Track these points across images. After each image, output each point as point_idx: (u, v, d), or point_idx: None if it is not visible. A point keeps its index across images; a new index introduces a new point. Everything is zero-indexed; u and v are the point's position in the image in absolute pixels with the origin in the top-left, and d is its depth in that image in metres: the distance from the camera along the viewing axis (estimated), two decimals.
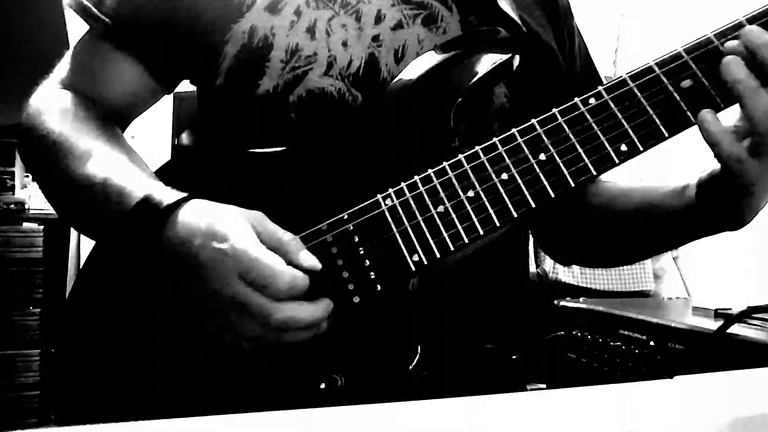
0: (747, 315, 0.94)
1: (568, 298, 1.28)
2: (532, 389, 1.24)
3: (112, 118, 0.80)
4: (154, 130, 1.85)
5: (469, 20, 0.78)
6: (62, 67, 0.82)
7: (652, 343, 0.98)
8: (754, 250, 1.91)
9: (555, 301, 1.28)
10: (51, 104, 0.78)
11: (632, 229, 0.82)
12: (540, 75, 0.81)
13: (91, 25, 0.80)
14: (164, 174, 0.72)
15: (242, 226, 0.60)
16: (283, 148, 0.71)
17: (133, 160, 0.72)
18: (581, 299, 1.28)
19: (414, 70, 0.71)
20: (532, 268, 2.10)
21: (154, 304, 0.68)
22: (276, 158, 0.72)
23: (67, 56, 0.83)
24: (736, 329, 0.89)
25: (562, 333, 1.19)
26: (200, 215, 0.62)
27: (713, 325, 0.93)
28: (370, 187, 0.66)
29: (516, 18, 0.76)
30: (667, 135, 0.62)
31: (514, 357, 0.81)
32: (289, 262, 0.60)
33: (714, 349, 0.87)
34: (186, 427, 0.34)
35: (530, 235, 0.95)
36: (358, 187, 0.66)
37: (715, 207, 0.70)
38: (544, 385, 1.29)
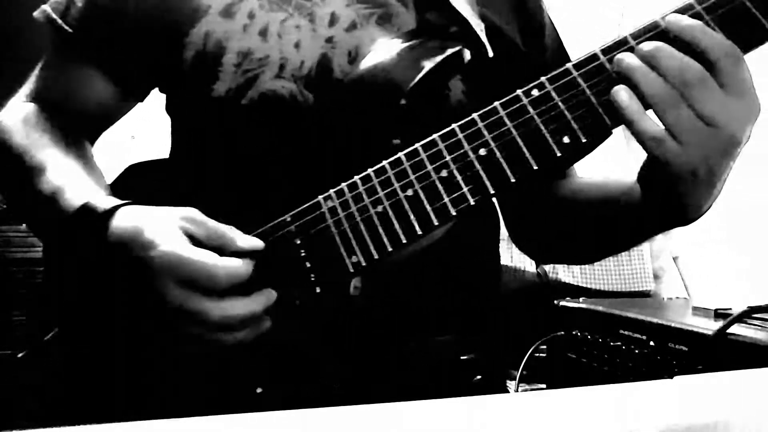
0: (747, 315, 0.94)
1: (568, 298, 1.28)
2: (532, 389, 1.24)
3: (78, 128, 0.80)
4: (154, 131, 1.85)
5: (426, 18, 0.76)
6: (29, 80, 0.83)
7: (652, 343, 0.98)
8: (753, 250, 1.91)
9: (555, 301, 1.28)
10: (14, 118, 0.78)
11: (594, 224, 0.82)
12: (501, 69, 0.80)
13: (56, 36, 0.80)
14: (156, 172, 0.73)
15: (170, 229, 0.60)
16: (237, 150, 0.72)
17: (87, 169, 0.73)
18: (581, 299, 1.28)
19: (364, 67, 0.71)
20: (532, 268, 2.09)
21: (113, 307, 0.68)
22: (231, 160, 0.72)
23: (35, 69, 0.84)
24: (736, 329, 0.88)
25: (562, 333, 1.19)
26: (130, 222, 0.62)
27: (713, 325, 0.92)
28: (317, 188, 0.65)
29: (469, 15, 0.73)
30: (610, 124, 0.60)
31: (463, 358, 0.78)
32: (230, 252, 0.60)
33: (714, 350, 0.87)
34: (186, 427, 0.34)
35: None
36: (305, 187, 0.66)
37: (655, 198, 0.68)
38: (544, 385, 1.29)
